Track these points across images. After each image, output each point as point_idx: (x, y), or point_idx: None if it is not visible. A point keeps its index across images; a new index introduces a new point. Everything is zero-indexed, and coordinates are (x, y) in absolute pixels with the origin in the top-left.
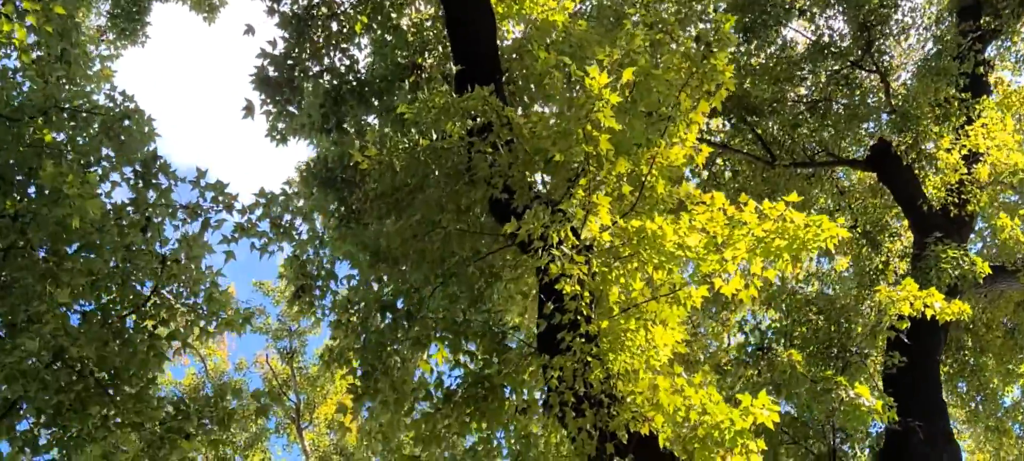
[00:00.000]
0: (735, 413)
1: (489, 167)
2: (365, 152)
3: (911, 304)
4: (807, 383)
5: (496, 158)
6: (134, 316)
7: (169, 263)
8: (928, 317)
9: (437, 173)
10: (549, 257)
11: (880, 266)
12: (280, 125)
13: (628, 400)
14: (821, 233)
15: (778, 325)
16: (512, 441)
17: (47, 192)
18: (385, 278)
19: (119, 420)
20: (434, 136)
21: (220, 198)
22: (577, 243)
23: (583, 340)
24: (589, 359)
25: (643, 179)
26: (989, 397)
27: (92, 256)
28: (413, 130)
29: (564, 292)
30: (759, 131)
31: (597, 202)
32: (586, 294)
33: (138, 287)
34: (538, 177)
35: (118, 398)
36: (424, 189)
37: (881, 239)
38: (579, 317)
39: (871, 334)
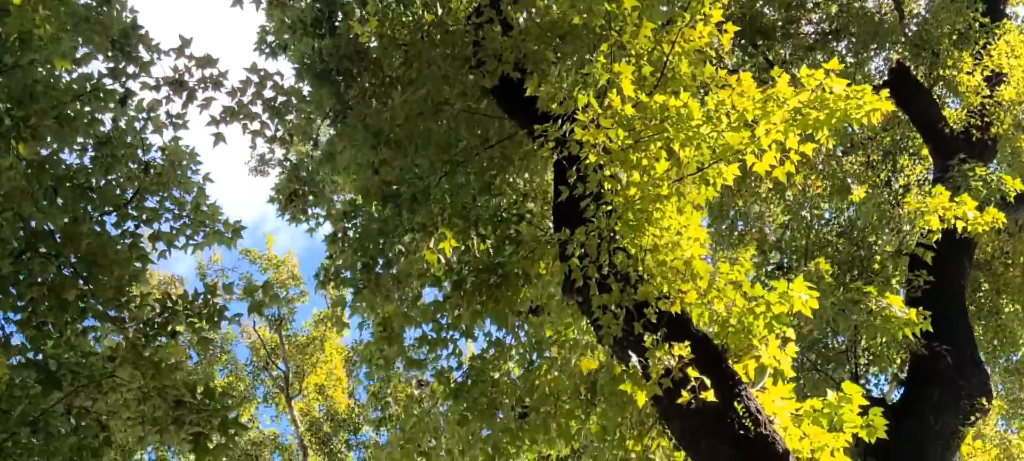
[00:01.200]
0: (773, 295)
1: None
2: (366, 26)
3: (941, 217)
4: (835, 294)
5: (505, 42)
6: (114, 216)
7: (152, 171)
8: (955, 237)
9: (443, 52)
10: (571, 126)
11: (900, 191)
12: (269, 37)
13: (658, 278)
14: (863, 105)
15: (797, 243)
16: (524, 343)
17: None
18: (388, 166)
19: (97, 316)
20: (440, 10)
21: (207, 74)
22: (600, 112)
23: (607, 210)
24: (614, 231)
25: (665, 58)
26: (1006, 340)
27: (64, 129)
28: (417, 1)
29: (587, 161)
30: (769, 56)
31: (620, 71)
32: (611, 167)
33: (119, 191)
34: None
35: (95, 289)
36: (429, 67)
37: (901, 160)
38: (603, 189)
39: (896, 253)
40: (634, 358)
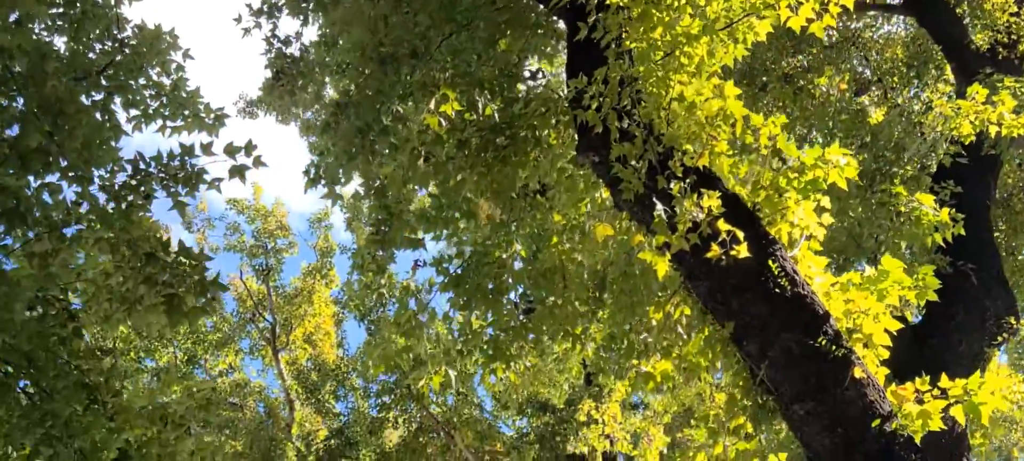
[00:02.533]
0: (808, 157)
1: None
2: None
3: (972, 121)
4: (863, 195)
5: None
6: (84, 83)
7: (127, 48)
8: (980, 153)
9: None
10: None
11: (923, 107)
12: None
13: (685, 129)
14: None
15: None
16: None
17: None
18: (386, 22)
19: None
20: None
21: None
22: None
23: (628, 60)
24: (637, 77)
25: None
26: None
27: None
28: None
29: (607, 3)
30: None
31: None
32: (635, 10)
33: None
34: None
35: (60, 141)
36: None
37: (923, 73)
38: (625, 32)
39: (922, 167)
40: (659, 206)
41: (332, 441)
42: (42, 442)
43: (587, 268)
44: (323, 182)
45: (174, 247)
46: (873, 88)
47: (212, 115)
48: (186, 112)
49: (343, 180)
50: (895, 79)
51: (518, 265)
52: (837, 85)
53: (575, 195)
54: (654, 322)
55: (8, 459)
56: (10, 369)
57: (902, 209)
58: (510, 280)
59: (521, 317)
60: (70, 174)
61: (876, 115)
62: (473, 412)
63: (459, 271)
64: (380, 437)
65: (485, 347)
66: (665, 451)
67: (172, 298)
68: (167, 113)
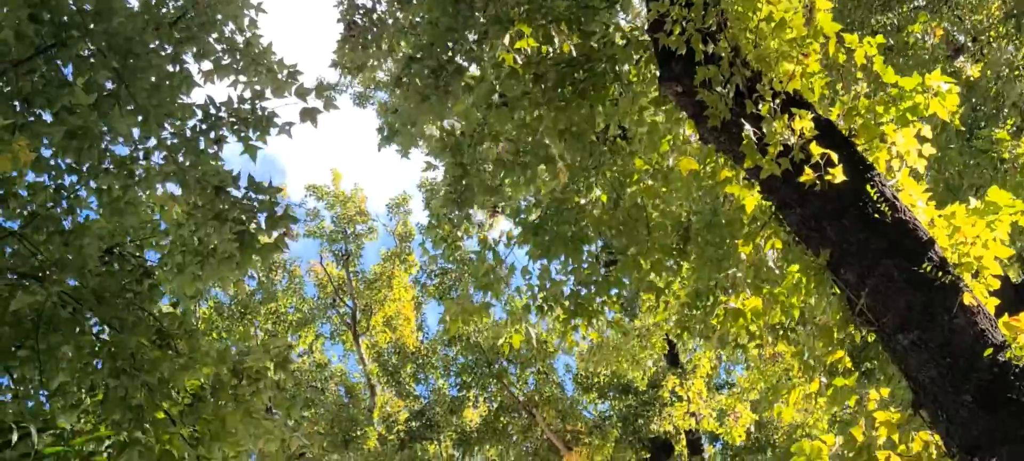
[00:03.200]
0: (907, 82)
1: None
2: None
3: None
4: (962, 143)
5: None
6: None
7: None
8: None
9: None
10: None
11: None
12: None
13: (774, 51)
14: None
15: None
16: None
17: None
18: None
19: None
20: None
21: None
22: None
23: None
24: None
25: None
26: None
27: None
28: None
29: None
30: None
31: None
32: None
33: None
34: None
35: (127, 79)
36: None
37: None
38: None
39: None
40: (748, 127)
41: (413, 423)
42: (110, 375)
43: (671, 217)
44: (397, 135)
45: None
46: (968, 47)
47: (285, 71)
48: (259, 67)
49: (417, 127)
50: (992, 34)
51: (598, 213)
52: (933, 30)
53: (656, 137)
54: (743, 256)
55: (79, 398)
56: (78, 305)
57: (1006, 156)
58: (590, 228)
59: (603, 270)
60: (139, 118)
61: (973, 71)
62: (554, 391)
63: (537, 221)
64: (461, 417)
65: (566, 303)
66: (752, 428)
67: (243, 235)
68: (239, 67)
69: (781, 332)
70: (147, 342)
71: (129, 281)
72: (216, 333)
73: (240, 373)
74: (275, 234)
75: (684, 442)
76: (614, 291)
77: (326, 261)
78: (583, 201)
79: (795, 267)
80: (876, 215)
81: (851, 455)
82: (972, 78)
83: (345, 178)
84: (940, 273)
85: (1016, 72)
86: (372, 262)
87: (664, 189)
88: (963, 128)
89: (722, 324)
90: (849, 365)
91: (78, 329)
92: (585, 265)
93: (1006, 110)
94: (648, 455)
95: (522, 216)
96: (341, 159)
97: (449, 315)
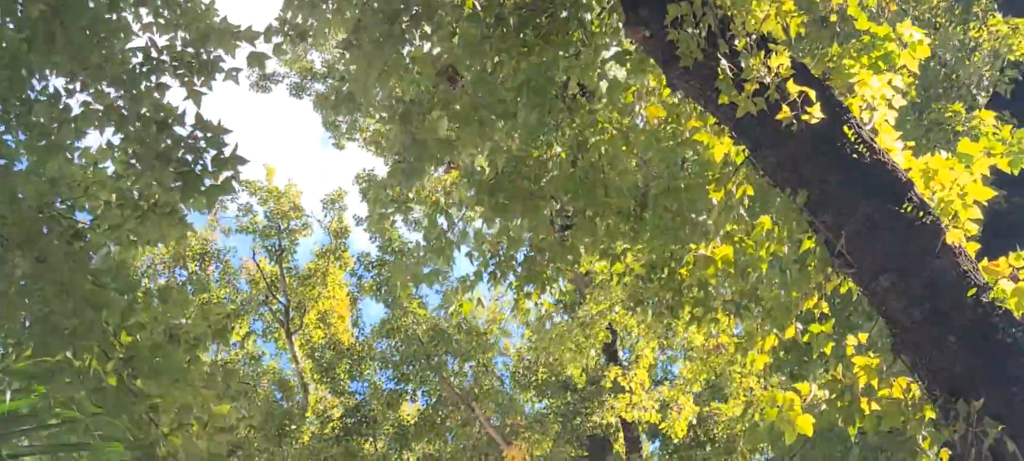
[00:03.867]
0: (882, 30)
1: None
2: None
3: None
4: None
5: None
6: None
7: None
8: None
9: None
10: None
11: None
12: None
13: None
14: None
15: None
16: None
17: None
18: None
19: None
20: None
21: None
22: None
23: None
24: None
25: None
26: None
27: None
28: None
29: None
30: None
31: None
32: None
33: None
34: None
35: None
36: None
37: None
38: None
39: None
40: (724, 62)
41: (348, 420)
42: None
43: (628, 178)
44: (347, 103)
45: (191, 119)
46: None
47: (230, 32)
48: (201, 26)
49: (368, 89)
50: (940, 18)
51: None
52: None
53: (618, 94)
54: (715, 202)
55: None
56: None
57: (959, 129)
58: (549, 187)
59: (558, 234)
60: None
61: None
62: (494, 384)
63: (492, 180)
64: (398, 411)
65: (518, 270)
66: (694, 421)
67: (187, 177)
68: (181, 23)
69: (741, 306)
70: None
71: (60, 242)
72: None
73: (177, 338)
74: (223, 177)
75: (622, 439)
76: (569, 257)
77: (259, 257)
78: (544, 157)
79: (766, 218)
80: (854, 155)
81: (832, 396)
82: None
83: (279, 174)
84: (921, 213)
85: (963, 54)
86: (306, 261)
87: (624, 148)
88: (918, 101)
89: (689, 275)
90: (826, 310)
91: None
92: (541, 228)
93: (957, 90)
94: (586, 453)
95: (477, 175)
96: (275, 156)
97: (399, 282)
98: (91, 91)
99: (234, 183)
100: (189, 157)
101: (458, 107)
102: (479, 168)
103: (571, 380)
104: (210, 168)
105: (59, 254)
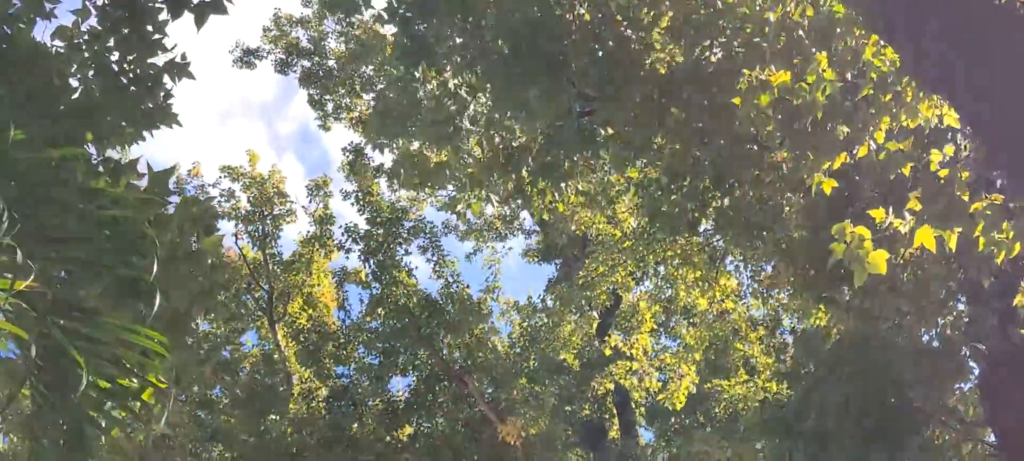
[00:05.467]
0: None
1: None
2: None
3: None
4: None
5: None
6: None
7: None
8: None
9: None
10: None
11: None
12: None
13: None
14: None
15: None
16: None
17: None
18: None
19: None
20: None
21: None
22: None
23: None
24: None
25: None
26: None
27: None
28: None
29: None
30: None
31: None
32: None
33: None
34: None
35: None
36: None
37: None
38: None
39: None
40: None
41: (335, 402)
42: None
43: (654, 53)
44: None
45: None
46: None
47: None
48: None
49: None
50: None
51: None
52: None
53: None
54: (772, 19)
55: None
56: None
57: None
58: (571, 52)
59: (577, 120)
60: None
61: None
62: (488, 357)
63: (510, 50)
64: (386, 384)
65: (532, 163)
66: (694, 390)
67: None
68: None
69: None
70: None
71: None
72: None
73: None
74: None
75: (617, 425)
76: (587, 149)
77: (242, 243)
78: (569, 16)
79: (823, 56)
80: None
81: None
82: None
83: (262, 160)
84: None
85: None
86: (290, 250)
87: (647, 14)
88: None
89: (744, 100)
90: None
91: None
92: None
93: None
94: (579, 438)
95: (489, 43)
96: (259, 144)
97: (399, 174)
98: None
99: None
100: None
101: None
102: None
103: (565, 363)
104: None
105: None
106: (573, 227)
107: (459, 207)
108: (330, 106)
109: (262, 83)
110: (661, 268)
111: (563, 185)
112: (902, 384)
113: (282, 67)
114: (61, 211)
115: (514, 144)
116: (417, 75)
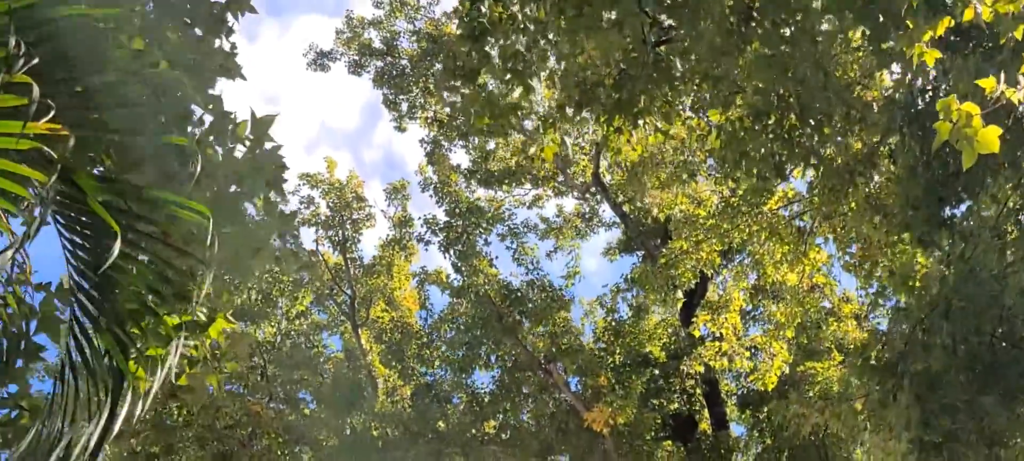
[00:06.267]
0: None
1: None
2: None
3: None
4: None
5: None
6: None
7: None
8: None
9: None
10: None
11: None
12: None
13: None
14: None
15: None
16: None
17: None
18: None
19: None
20: None
21: None
22: None
23: None
24: None
25: None
26: None
27: None
28: None
29: None
30: None
31: None
32: None
33: None
34: None
35: None
36: None
37: None
38: None
39: None
40: None
41: (420, 399)
42: None
43: None
44: None
45: None
46: None
47: None
48: None
49: None
50: None
51: None
52: None
53: None
54: None
55: None
56: None
57: None
58: None
59: (651, 53)
60: None
61: None
62: (573, 342)
63: None
64: (470, 375)
65: (604, 100)
66: (786, 369)
67: None
68: None
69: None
70: None
71: None
72: None
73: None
74: None
75: (707, 418)
76: (664, 84)
77: (323, 249)
78: None
79: None
80: None
81: None
82: None
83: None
84: None
85: None
86: (369, 255)
87: None
88: None
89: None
90: None
91: None
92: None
93: None
94: (670, 431)
95: None
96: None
97: (472, 111)
98: None
99: None
100: None
101: None
102: None
103: (651, 355)
104: None
105: None
106: (655, 210)
107: (533, 150)
108: (404, 106)
109: (346, 112)
110: (747, 245)
111: (641, 123)
112: (1014, 321)
113: (355, 68)
114: (101, 71)
115: (587, 81)
116: (484, 10)
